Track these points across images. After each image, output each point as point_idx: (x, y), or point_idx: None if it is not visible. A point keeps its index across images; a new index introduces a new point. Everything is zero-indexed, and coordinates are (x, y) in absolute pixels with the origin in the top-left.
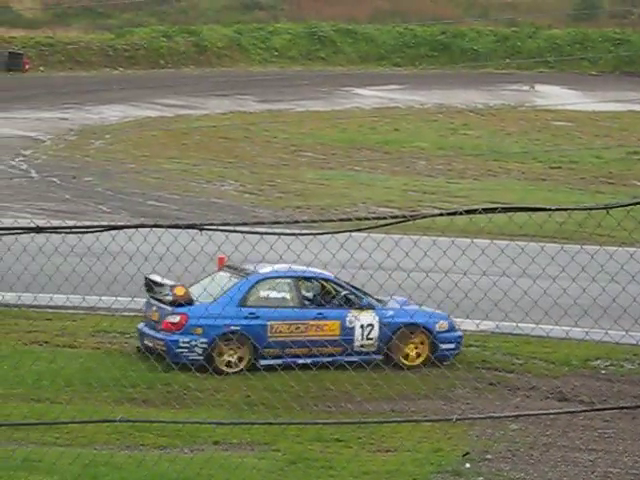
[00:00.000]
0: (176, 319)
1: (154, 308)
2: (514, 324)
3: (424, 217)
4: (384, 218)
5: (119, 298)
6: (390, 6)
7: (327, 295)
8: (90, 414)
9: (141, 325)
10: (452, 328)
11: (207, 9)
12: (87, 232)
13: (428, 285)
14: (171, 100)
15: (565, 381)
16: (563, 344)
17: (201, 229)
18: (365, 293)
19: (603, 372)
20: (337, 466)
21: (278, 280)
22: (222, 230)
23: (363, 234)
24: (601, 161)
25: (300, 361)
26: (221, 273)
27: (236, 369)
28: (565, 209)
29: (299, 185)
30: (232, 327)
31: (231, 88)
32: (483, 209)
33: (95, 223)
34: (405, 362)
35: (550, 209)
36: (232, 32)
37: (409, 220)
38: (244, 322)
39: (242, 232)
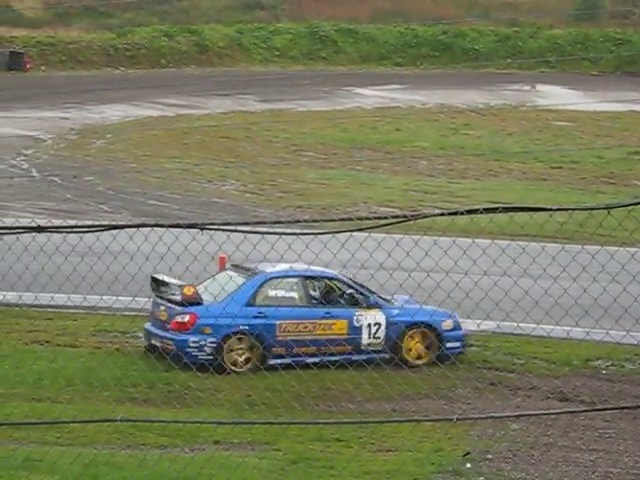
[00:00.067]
0: (185, 318)
1: (162, 307)
2: (515, 324)
3: (425, 217)
4: (385, 218)
5: (120, 298)
6: (391, 6)
7: (334, 294)
8: (91, 413)
9: (148, 325)
10: (457, 326)
11: (208, 9)
12: (88, 231)
13: (429, 285)
14: (172, 100)
15: (566, 381)
16: (564, 344)
17: (202, 229)
18: (372, 292)
19: (604, 372)
20: (338, 466)
21: (286, 279)
22: (223, 230)
23: (364, 234)
24: (602, 161)
25: (309, 360)
26: (228, 272)
27: (244, 368)
28: (566, 209)
29: (300, 185)
30: (241, 327)
31: (232, 88)
32: (484, 209)
33: (96, 222)
34: (413, 360)
35: (551, 209)
36: (233, 32)
37: (410, 220)
38: (253, 322)
39: (243, 232)
